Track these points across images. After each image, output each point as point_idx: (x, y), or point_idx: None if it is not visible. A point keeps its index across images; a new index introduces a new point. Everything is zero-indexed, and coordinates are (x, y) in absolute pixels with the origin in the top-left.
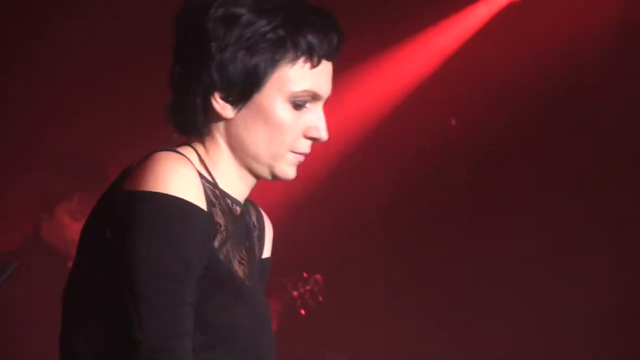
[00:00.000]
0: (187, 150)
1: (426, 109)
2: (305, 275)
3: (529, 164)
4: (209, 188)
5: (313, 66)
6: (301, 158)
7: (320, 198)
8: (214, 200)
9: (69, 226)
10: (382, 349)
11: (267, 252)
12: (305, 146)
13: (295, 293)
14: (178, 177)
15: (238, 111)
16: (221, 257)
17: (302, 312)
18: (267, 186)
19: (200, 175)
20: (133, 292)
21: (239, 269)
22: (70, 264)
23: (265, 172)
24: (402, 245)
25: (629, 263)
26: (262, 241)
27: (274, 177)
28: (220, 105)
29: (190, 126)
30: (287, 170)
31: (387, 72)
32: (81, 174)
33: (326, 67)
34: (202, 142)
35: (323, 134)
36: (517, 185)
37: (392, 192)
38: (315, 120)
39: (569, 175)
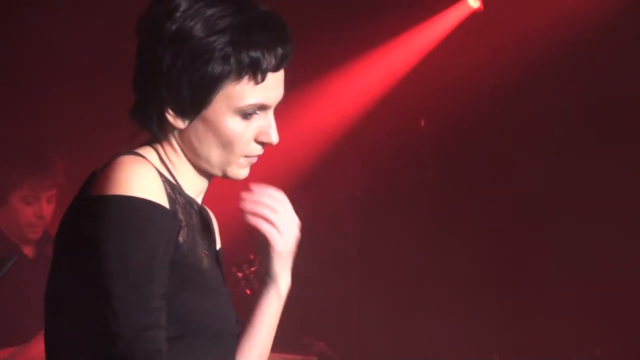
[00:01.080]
0: (147, 151)
1: (397, 110)
2: (251, 257)
3: (496, 160)
4: (170, 187)
5: (257, 82)
6: (254, 160)
7: (300, 190)
8: (175, 198)
9: (23, 211)
10: (357, 336)
11: (218, 244)
12: (257, 149)
13: (239, 274)
14: (140, 179)
15: (189, 123)
16: (186, 251)
17: (248, 292)
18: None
19: (161, 175)
20: (106, 289)
21: (203, 262)
22: (25, 249)
23: (218, 174)
24: (373, 234)
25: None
26: (214, 235)
27: (227, 178)
28: (172, 117)
29: (149, 130)
30: (240, 172)
31: (359, 77)
32: (31, 162)
33: (274, 78)
34: (161, 144)
35: (273, 139)
36: (484, 179)
37: (364, 185)
38: (265, 126)
39: (542, 170)
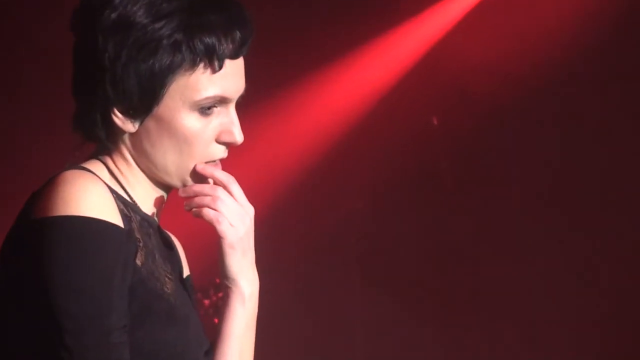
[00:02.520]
0: (95, 165)
1: (408, 105)
2: (217, 281)
3: (512, 158)
4: (123, 203)
5: (215, 70)
6: (217, 168)
7: (300, 194)
8: (129, 215)
9: None
10: (361, 345)
11: (186, 270)
12: (220, 152)
13: (206, 302)
14: (88, 195)
15: (140, 124)
16: (145, 275)
17: (216, 321)
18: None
19: (112, 190)
20: (57, 324)
21: (166, 286)
22: None
23: (177, 184)
24: (382, 250)
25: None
26: (179, 258)
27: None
28: (120, 119)
29: (95, 139)
30: (202, 180)
31: (363, 69)
32: None
33: (233, 66)
34: (110, 155)
35: (237, 137)
36: (500, 180)
37: (368, 194)
38: (227, 123)
39: (556, 171)
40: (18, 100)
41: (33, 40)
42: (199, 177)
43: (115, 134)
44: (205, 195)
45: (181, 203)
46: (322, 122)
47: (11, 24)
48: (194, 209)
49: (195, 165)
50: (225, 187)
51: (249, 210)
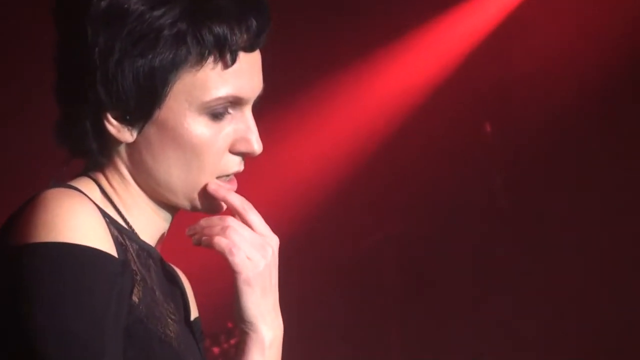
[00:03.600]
0: (84, 183)
1: (452, 111)
2: (230, 325)
3: (574, 175)
4: (118, 229)
5: (227, 65)
6: (231, 183)
7: (330, 216)
8: (125, 243)
9: None
10: None
11: (194, 312)
12: (235, 164)
13: (216, 350)
14: (75, 219)
15: (139, 133)
16: (144, 314)
17: None
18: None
19: (105, 213)
20: None
21: (169, 328)
22: None
23: (184, 205)
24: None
25: None
26: (185, 298)
27: (197, 210)
28: (114, 127)
29: (85, 152)
30: (214, 202)
31: (403, 68)
32: None
33: (248, 61)
34: (103, 171)
35: (255, 147)
36: (561, 200)
37: (413, 209)
38: (242, 130)
39: (620, 179)
40: None
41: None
42: (210, 196)
43: (109, 145)
44: (215, 226)
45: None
46: (353, 130)
47: None
48: (203, 239)
49: (207, 184)
50: (240, 215)
51: (271, 241)
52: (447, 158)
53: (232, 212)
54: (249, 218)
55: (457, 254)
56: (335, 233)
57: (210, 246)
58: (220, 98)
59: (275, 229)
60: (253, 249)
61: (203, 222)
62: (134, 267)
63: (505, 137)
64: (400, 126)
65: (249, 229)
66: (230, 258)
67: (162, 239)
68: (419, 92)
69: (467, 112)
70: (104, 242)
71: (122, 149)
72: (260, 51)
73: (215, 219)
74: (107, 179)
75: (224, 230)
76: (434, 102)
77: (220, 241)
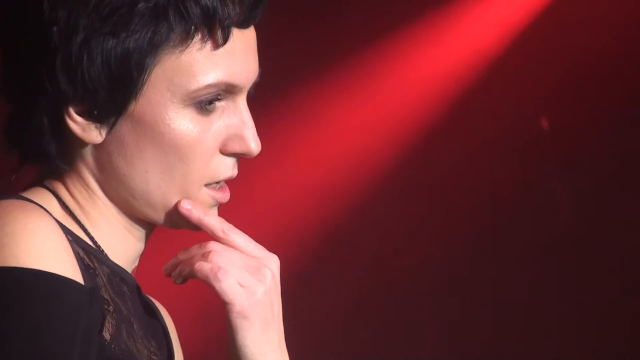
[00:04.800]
0: (41, 195)
1: (505, 103)
2: None
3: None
4: (84, 249)
5: (217, 45)
6: (222, 194)
7: (356, 233)
8: (93, 266)
9: None
10: None
11: (179, 355)
12: (227, 168)
13: None
14: (29, 237)
15: (109, 131)
16: (118, 354)
17: None
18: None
19: (68, 230)
20: None
21: None
22: None
23: (165, 221)
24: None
25: None
26: (168, 336)
27: (178, 227)
28: (78, 125)
29: (40, 157)
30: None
31: (448, 42)
32: None
33: (242, 40)
34: (63, 180)
35: (252, 146)
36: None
37: (453, 226)
38: (236, 125)
39: None
40: None
41: None
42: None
43: (71, 148)
44: (194, 255)
45: (167, 248)
46: (378, 126)
47: None
48: (183, 272)
49: (178, 203)
50: (221, 241)
51: (269, 262)
52: (496, 160)
53: (213, 237)
54: (233, 241)
55: (510, 279)
56: (356, 255)
57: (192, 276)
58: (209, 86)
59: (280, 252)
60: (246, 274)
61: (180, 255)
62: (105, 296)
63: (568, 134)
64: (437, 122)
65: (237, 252)
66: (217, 285)
67: (137, 263)
68: (456, 82)
69: (521, 105)
70: (67, 266)
71: (88, 153)
72: (255, 28)
73: (194, 247)
74: (68, 189)
75: (205, 257)
76: (478, 93)
77: (202, 267)
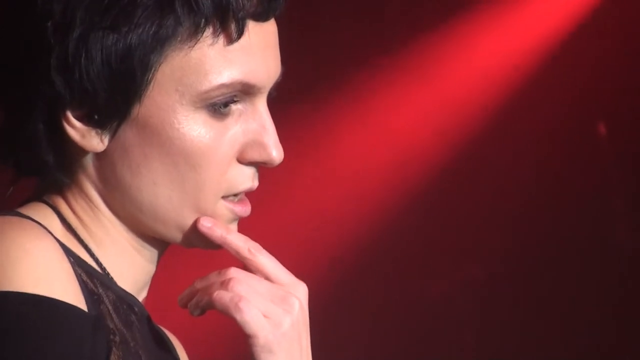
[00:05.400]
0: (38, 210)
1: (560, 104)
2: None
3: None
4: (88, 272)
5: (231, 40)
6: (244, 207)
7: (391, 251)
8: (98, 292)
9: None
10: None
11: None
12: (246, 179)
13: None
14: (28, 259)
15: (112, 138)
16: None
17: None
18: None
19: (69, 251)
20: None
21: None
22: None
23: (177, 239)
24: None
25: None
26: None
27: (194, 246)
28: (78, 130)
29: (37, 168)
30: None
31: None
32: None
33: (260, 34)
34: (64, 194)
35: (274, 154)
36: None
37: (502, 245)
38: (255, 130)
39: None
40: None
41: None
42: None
43: (71, 157)
44: (212, 284)
45: (181, 269)
46: (416, 130)
47: None
48: (200, 302)
49: (197, 220)
50: (246, 262)
51: (297, 290)
52: (547, 172)
53: (237, 257)
54: (259, 262)
55: (561, 304)
56: (393, 277)
57: (210, 307)
58: (223, 85)
59: (305, 275)
60: (271, 303)
61: (197, 283)
62: (111, 325)
63: (629, 139)
64: (484, 127)
65: (260, 279)
66: (238, 316)
67: (147, 288)
68: (503, 82)
69: (577, 108)
70: (68, 290)
71: (89, 162)
72: (277, 21)
73: (212, 275)
74: (69, 204)
75: (225, 285)
76: (530, 93)
77: (221, 296)
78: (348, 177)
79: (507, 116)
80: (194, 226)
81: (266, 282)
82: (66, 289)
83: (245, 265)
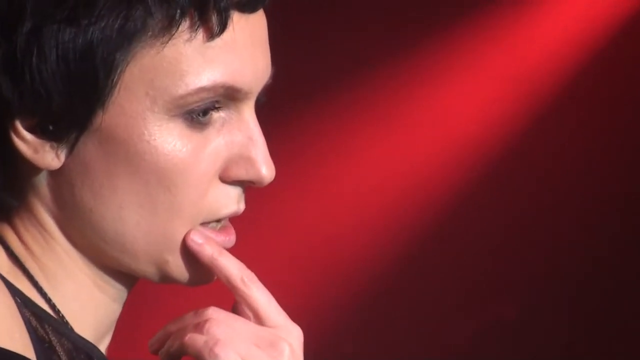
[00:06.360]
0: None
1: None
2: None
3: None
4: (38, 316)
5: (212, 34)
6: (226, 238)
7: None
8: (49, 339)
9: None
10: None
11: None
12: (231, 201)
13: None
14: None
15: (69, 153)
16: None
17: None
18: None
19: (15, 291)
20: None
21: None
22: None
23: (150, 273)
24: None
25: None
26: None
27: (169, 281)
28: (28, 143)
29: None
30: (198, 268)
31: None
32: None
33: (246, 28)
34: (10, 220)
35: (264, 170)
36: None
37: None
38: (241, 143)
39: None
40: None
41: None
42: (190, 257)
43: (20, 175)
44: (187, 325)
45: (151, 306)
46: (463, 129)
47: None
48: (172, 347)
49: (186, 235)
50: (237, 293)
51: (288, 334)
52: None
53: (227, 286)
54: (251, 296)
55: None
56: (411, 320)
57: (182, 353)
58: (202, 89)
59: (308, 319)
60: (254, 348)
61: (169, 325)
62: None
63: None
64: (521, 139)
65: (244, 320)
66: None
67: (111, 333)
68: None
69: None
70: (14, 337)
71: (42, 182)
72: (267, 13)
73: (188, 315)
74: (16, 232)
75: (200, 327)
76: (569, 98)
77: (194, 340)
78: (357, 200)
79: (546, 133)
80: (172, 252)
81: (252, 324)
82: (11, 335)
83: (234, 297)
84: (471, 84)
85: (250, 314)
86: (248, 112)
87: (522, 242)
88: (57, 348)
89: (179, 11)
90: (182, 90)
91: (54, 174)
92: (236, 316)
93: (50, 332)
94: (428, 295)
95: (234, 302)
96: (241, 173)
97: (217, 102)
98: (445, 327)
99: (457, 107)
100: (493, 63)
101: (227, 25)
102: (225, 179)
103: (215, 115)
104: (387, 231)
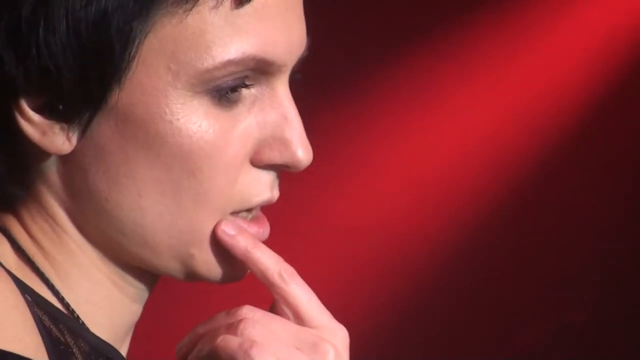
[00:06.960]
0: None
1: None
2: None
3: None
4: (51, 315)
5: (239, 2)
6: (259, 230)
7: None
8: (65, 340)
9: None
10: None
11: None
12: (264, 188)
13: None
14: None
15: (82, 136)
16: None
17: None
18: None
19: (26, 288)
20: None
21: None
22: None
23: (173, 269)
24: None
25: None
26: None
27: (196, 277)
28: (36, 125)
29: None
30: (229, 263)
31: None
32: None
33: None
34: (17, 212)
35: (300, 153)
36: None
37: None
38: (275, 123)
39: None
40: None
41: None
42: (220, 250)
43: (27, 162)
44: (219, 327)
45: (175, 306)
46: (519, 114)
47: None
48: (202, 352)
49: (215, 227)
50: (274, 289)
51: (332, 335)
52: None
53: (263, 282)
54: (291, 293)
55: None
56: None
57: (214, 357)
58: (231, 62)
59: (348, 320)
60: (295, 350)
61: (199, 327)
62: None
63: None
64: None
65: (282, 320)
66: None
67: (130, 334)
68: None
69: None
70: (25, 340)
71: (52, 168)
72: None
73: (219, 315)
74: (23, 224)
75: (233, 328)
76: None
77: (227, 342)
78: (400, 190)
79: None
80: (199, 246)
81: (292, 324)
82: (22, 338)
83: (272, 294)
84: (494, 86)
85: (289, 313)
86: (282, 88)
87: (592, 245)
88: (73, 350)
89: None
90: (207, 63)
91: (65, 160)
92: (274, 315)
93: (65, 333)
94: (493, 299)
95: (272, 301)
96: (275, 156)
97: (247, 77)
98: (515, 330)
99: (484, 107)
100: (519, 66)
101: None
102: (257, 163)
103: (245, 92)
104: (452, 231)
